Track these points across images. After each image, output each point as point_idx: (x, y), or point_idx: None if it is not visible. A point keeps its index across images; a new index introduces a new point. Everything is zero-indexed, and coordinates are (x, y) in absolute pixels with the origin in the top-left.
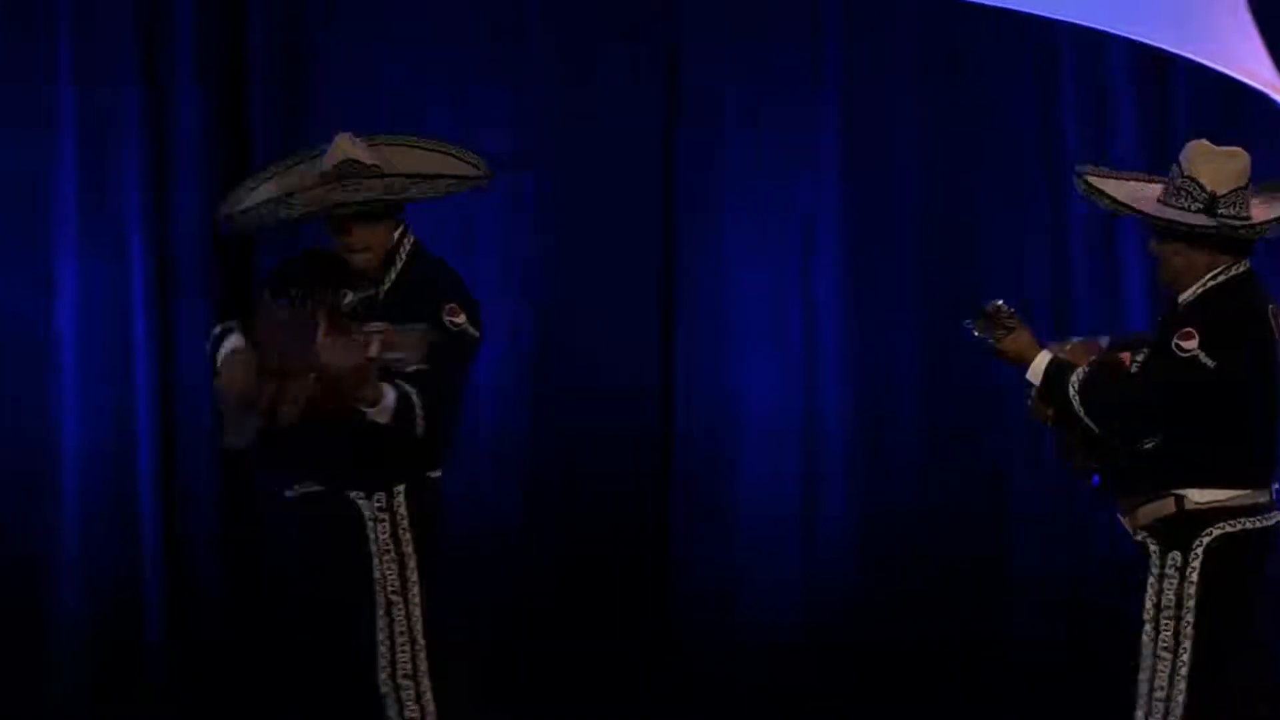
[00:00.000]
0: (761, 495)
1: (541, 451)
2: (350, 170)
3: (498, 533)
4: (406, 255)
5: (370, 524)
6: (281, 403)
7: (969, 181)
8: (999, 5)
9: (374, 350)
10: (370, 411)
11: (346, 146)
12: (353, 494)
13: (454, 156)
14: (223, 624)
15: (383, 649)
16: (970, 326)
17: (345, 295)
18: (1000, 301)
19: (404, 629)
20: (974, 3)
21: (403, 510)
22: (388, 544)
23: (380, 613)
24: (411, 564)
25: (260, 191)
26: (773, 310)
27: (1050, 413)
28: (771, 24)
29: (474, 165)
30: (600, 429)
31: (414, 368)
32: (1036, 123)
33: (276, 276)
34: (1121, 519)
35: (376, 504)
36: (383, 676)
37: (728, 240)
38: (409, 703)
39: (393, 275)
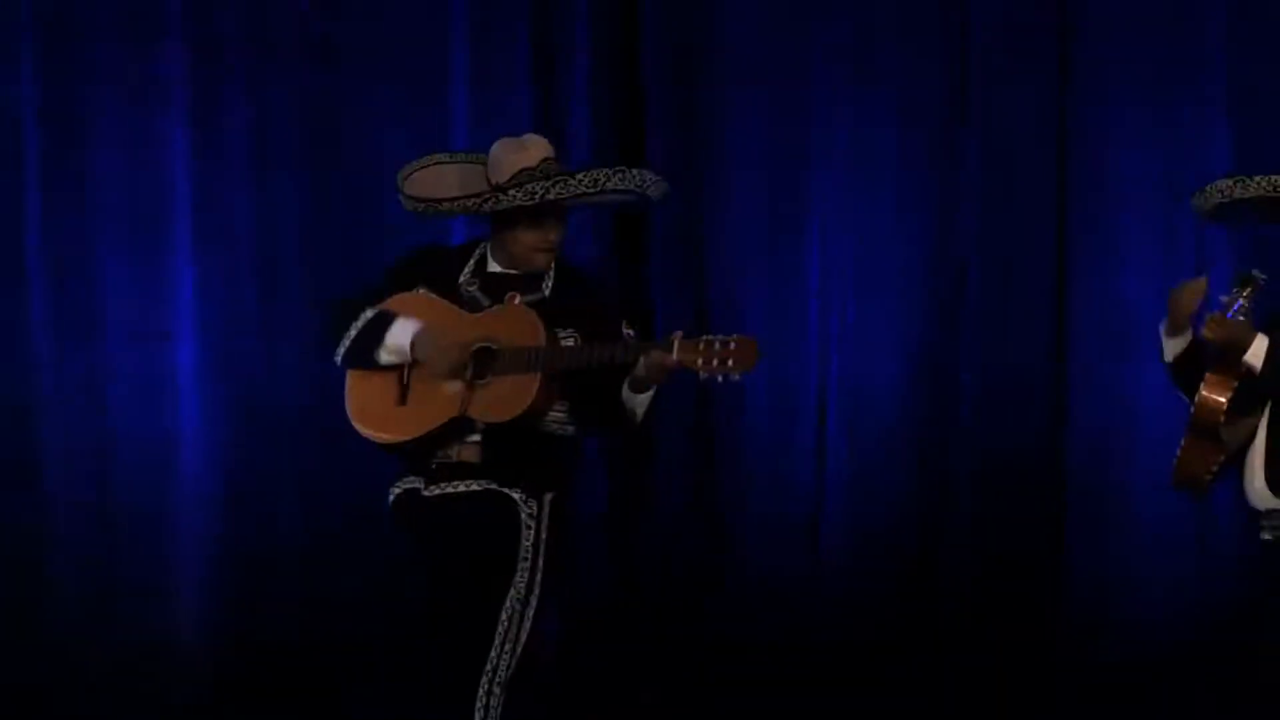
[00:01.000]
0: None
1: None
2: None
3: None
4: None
5: (525, 529)
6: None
7: None
8: None
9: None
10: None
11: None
12: (516, 494)
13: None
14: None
15: (493, 653)
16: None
17: (514, 298)
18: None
19: (514, 636)
20: None
21: (546, 519)
22: (528, 551)
23: (504, 616)
24: (539, 576)
25: (465, 177)
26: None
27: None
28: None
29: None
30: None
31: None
32: None
33: (410, 270)
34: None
35: (530, 509)
36: (483, 680)
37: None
38: (493, 709)
39: (550, 279)
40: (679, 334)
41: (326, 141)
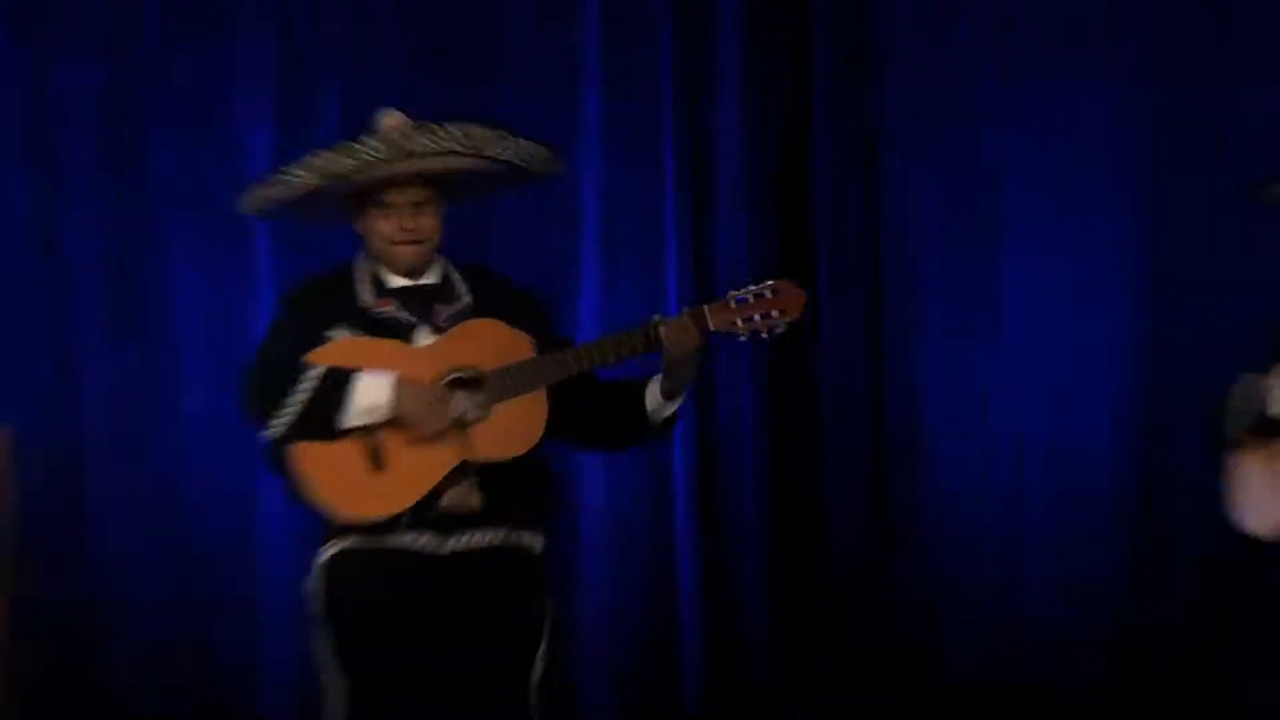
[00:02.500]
0: None
1: None
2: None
3: None
4: (446, 258)
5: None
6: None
7: None
8: None
9: None
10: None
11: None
12: (536, 543)
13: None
14: None
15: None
16: None
17: (440, 311)
18: None
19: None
20: None
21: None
22: (549, 611)
23: (534, 681)
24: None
25: (319, 165)
26: None
27: None
28: None
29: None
30: None
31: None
32: None
33: (318, 307)
34: None
35: (542, 543)
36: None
37: None
38: None
39: (458, 282)
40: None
41: None
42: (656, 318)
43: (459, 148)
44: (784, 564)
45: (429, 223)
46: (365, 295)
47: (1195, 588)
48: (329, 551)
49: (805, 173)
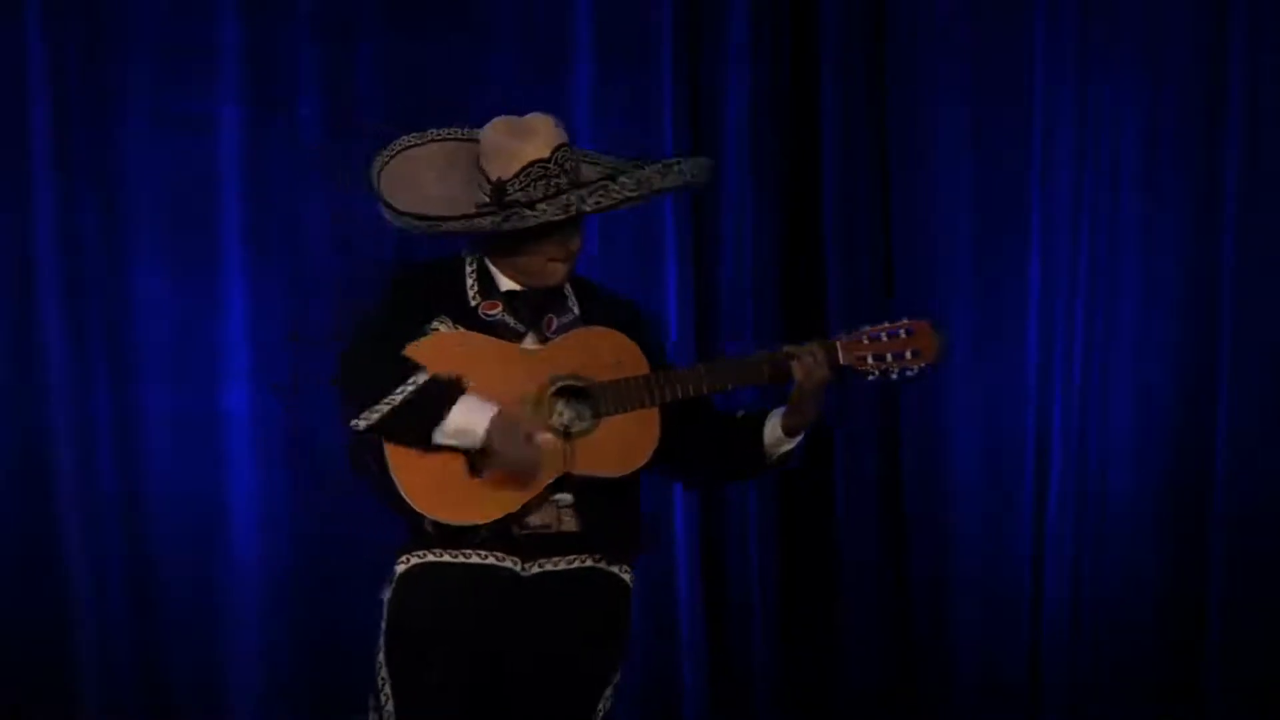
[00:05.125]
0: None
1: None
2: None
3: None
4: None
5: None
6: None
7: None
8: None
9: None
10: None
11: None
12: (626, 575)
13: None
14: None
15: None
16: None
17: (551, 321)
18: None
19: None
20: None
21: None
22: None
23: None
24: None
25: (448, 169)
26: None
27: None
28: None
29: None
30: None
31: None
32: None
33: (424, 294)
34: None
35: (630, 575)
36: None
37: None
38: None
39: (572, 296)
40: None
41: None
42: (787, 348)
43: (633, 195)
44: (789, 570)
45: (581, 241)
46: (473, 294)
47: (1223, 589)
48: (406, 563)
49: (815, 170)
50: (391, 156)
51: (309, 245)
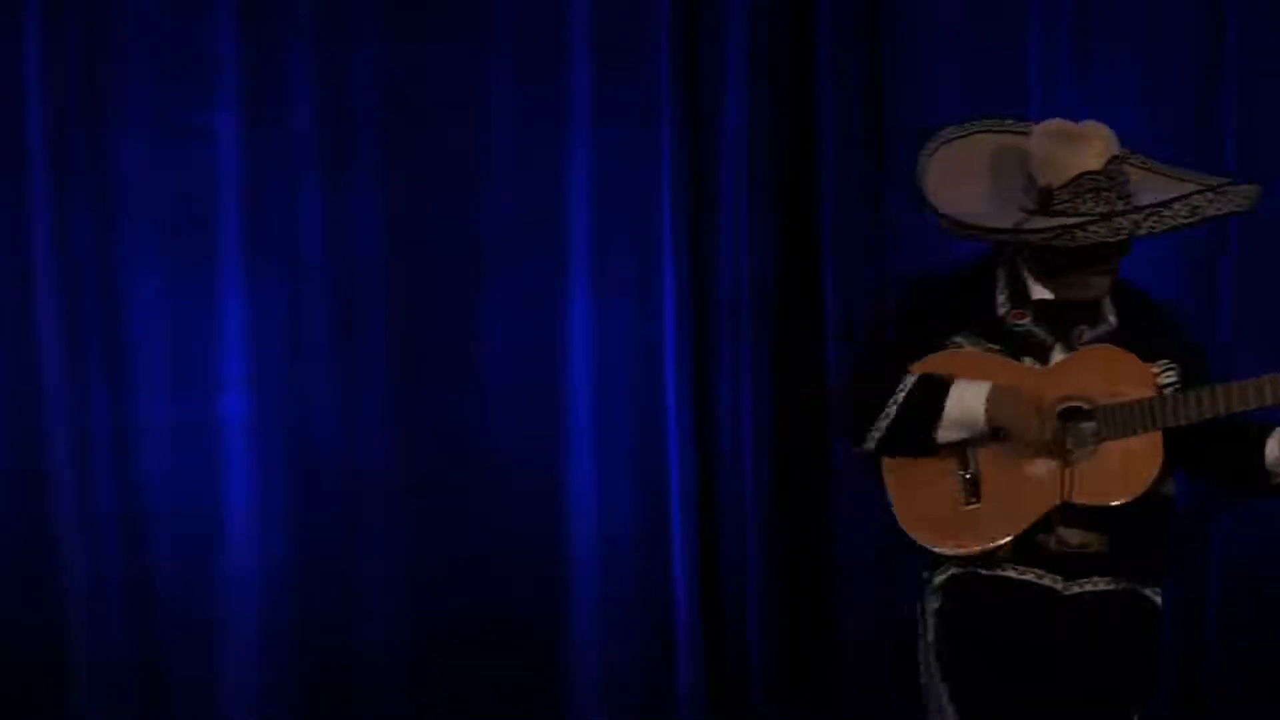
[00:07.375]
0: None
1: None
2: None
3: None
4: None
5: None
6: None
7: None
8: None
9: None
10: None
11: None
12: (1156, 596)
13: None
14: None
15: None
16: None
17: (1082, 333)
18: None
19: None
20: None
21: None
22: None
23: None
24: None
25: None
26: None
27: None
28: None
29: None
30: None
31: None
32: None
33: (940, 312)
34: None
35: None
36: None
37: None
38: None
39: (1109, 304)
40: None
41: (414, 131)
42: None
43: (1186, 222)
44: (785, 567)
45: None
46: (1003, 303)
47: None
48: (944, 574)
49: (811, 168)
50: (936, 148)
51: (306, 251)
